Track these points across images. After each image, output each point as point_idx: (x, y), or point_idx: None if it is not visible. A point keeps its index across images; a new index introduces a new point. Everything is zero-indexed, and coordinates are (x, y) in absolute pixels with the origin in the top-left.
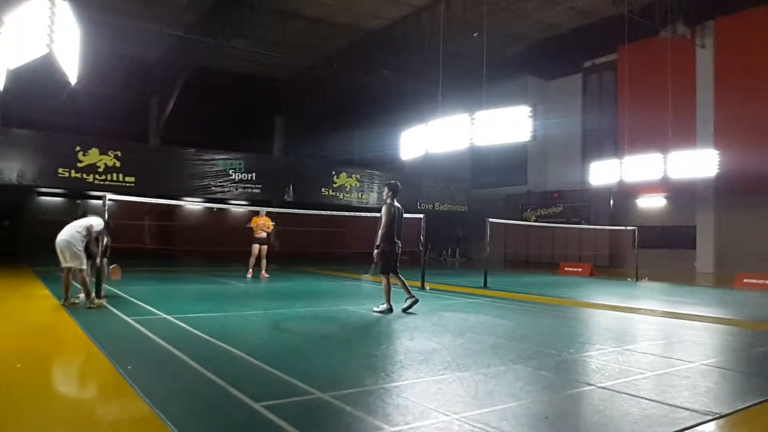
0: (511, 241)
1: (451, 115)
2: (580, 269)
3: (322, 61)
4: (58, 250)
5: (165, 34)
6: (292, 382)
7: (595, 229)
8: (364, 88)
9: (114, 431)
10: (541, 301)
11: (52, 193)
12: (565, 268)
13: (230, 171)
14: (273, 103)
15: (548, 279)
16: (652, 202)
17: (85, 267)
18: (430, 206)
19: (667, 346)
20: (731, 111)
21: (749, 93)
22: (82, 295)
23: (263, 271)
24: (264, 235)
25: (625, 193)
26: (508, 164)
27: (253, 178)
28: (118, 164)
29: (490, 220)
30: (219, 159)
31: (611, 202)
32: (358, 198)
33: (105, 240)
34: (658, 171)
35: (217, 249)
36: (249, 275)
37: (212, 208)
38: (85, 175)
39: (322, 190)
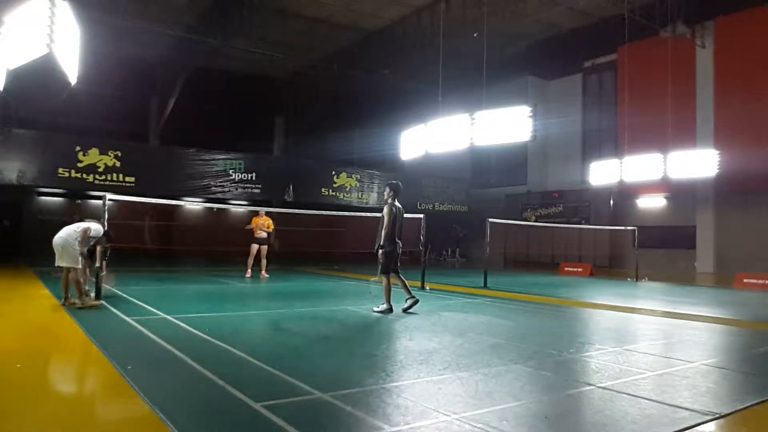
0: (511, 241)
1: (451, 115)
2: (580, 269)
3: (322, 61)
4: (55, 249)
5: (165, 34)
6: (292, 382)
7: (595, 229)
8: (364, 88)
9: (114, 431)
10: (541, 301)
11: (52, 193)
12: (565, 268)
13: (230, 171)
14: (273, 103)
15: (548, 279)
16: (652, 202)
17: (79, 267)
18: (430, 206)
19: (667, 346)
20: (731, 111)
21: (749, 93)
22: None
23: (263, 272)
24: (264, 235)
25: (625, 193)
26: (508, 164)
27: (253, 178)
28: (118, 164)
29: (490, 220)
30: (219, 159)
31: (611, 202)
32: (358, 198)
33: (105, 245)
34: (658, 171)
35: (217, 249)
36: (248, 275)
37: (212, 208)
38: (85, 175)
39: (322, 190)
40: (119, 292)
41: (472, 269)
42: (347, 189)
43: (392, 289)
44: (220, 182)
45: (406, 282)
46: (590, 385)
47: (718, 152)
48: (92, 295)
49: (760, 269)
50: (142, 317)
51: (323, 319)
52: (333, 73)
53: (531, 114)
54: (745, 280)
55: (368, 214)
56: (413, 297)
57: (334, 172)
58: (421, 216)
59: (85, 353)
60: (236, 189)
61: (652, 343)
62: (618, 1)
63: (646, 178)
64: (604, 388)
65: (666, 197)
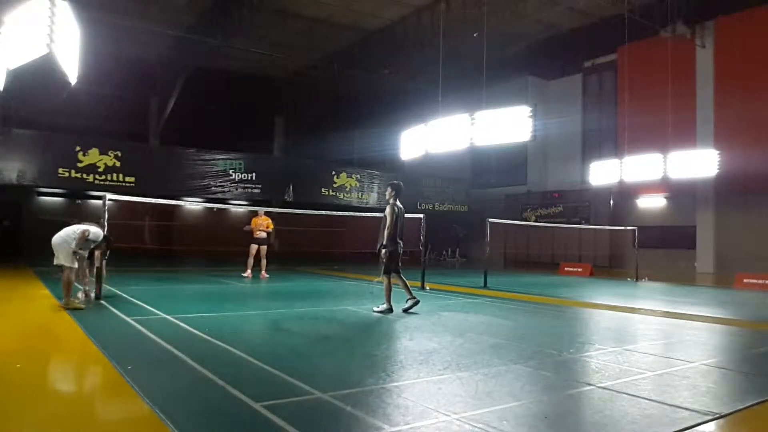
0: (511, 241)
1: (451, 115)
2: (580, 269)
3: (322, 61)
4: (54, 248)
5: (165, 34)
6: (292, 382)
7: (595, 229)
8: (364, 88)
9: (114, 431)
10: (541, 301)
11: (52, 193)
12: (565, 268)
13: (230, 171)
14: (273, 103)
15: (548, 279)
16: (652, 202)
17: (74, 267)
18: (430, 206)
19: (667, 346)
20: (731, 111)
21: (749, 93)
22: (82, 295)
23: (263, 271)
24: (263, 235)
25: (625, 193)
26: (508, 164)
27: (253, 178)
28: (118, 164)
29: (490, 220)
30: (219, 159)
31: (611, 202)
32: (358, 198)
33: (104, 249)
34: (658, 171)
35: (217, 249)
36: (248, 276)
37: (212, 208)
38: (85, 175)
39: (322, 190)
40: (119, 292)
41: (472, 269)
42: (347, 189)
43: (393, 289)
44: (220, 182)
45: (408, 282)
46: (590, 385)
47: (718, 152)
48: (91, 296)
49: (760, 269)
50: (142, 317)
51: (323, 319)
52: (333, 73)
53: (531, 114)
54: (745, 280)
55: (368, 214)
56: (414, 298)
57: (334, 172)
58: (421, 216)
59: (85, 353)
60: (236, 189)
61: (652, 343)
62: (618, 1)
63: (646, 178)
64: (604, 388)
65: (666, 197)
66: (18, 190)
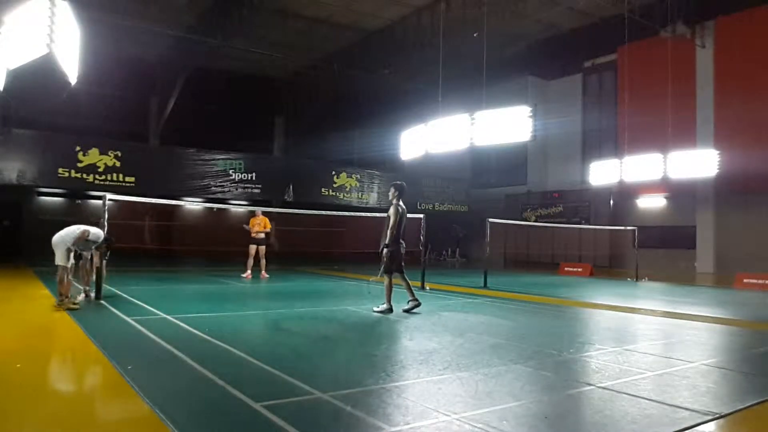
0: (511, 241)
1: (451, 115)
2: (580, 269)
3: (322, 61)
4: (53, 247)
5: (165, 34)
6: (292, 382)
7: (595, 229)
8: (364, 88)
9: (114, 431)
10: (541, 301)
11: (52, 193)
12: (565, 268)
13: (230, 171)
14: (273, 103)
15: (548, 279)
16: (652, 202)
17: (68, 266)
18: (430, 206)
19: (667, 346)
20: (731, 111)
21: (749, 93)
22: (82, 295)
23: (263, 271)
24: (262, 235)
25: (625, 193)
26: (508, 164)
27: (253, 178)
28: (118, 164)
29: (490, 220)
30: (219, 159)
31: (611, 202)
32: (358, 198)
33: (104, 251)
34: (658, 171)
35: (217, 249)
36: (248, 276)
37: (212, 208)
38: (85, 175)
39: (322, 190)
40: (119, 292)
41: (472, 269)
42: (347, 189)
43: (394, 289)
44: (220, 182)
45: (410, 283)
46: (590, 385)
47: (718, 152)
48: (91, 296)
49: (760, 269)
50: (142, 317)
51: (323, 319)
52: (333, 73)
53: (531, 114)
54: (745, 280)
55: (368, 214)
56: (416, 299)
57: (334, 172)
58: (421, 216)
59: (85, 353)
60: (236, 189)
61: (652, 343)
62: (618, 1)
63: (646, 178)
64: (604, 388)
65: (666, 197)
66: (18, 190)
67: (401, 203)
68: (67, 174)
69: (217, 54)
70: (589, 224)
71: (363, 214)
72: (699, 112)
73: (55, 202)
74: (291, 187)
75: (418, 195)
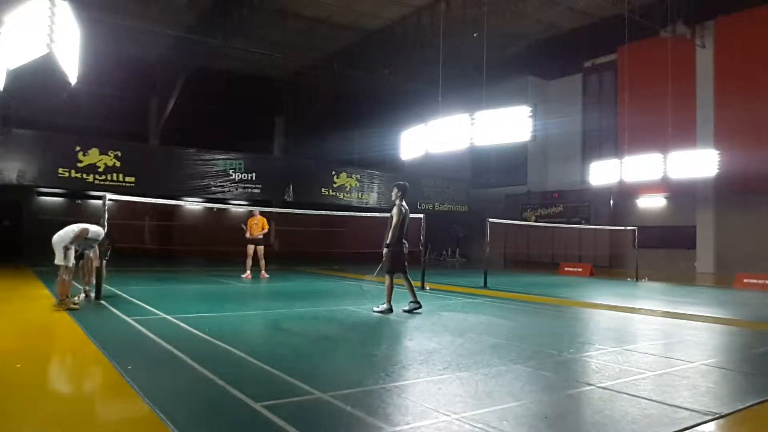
0: (511, 241)
1: (451, 115)
2: (580, 269)
3: (322, 61)
4: (53, 247)
5: (165, 34)
6: (292, 382)
7: (595, 229)
8: (364, 88)
9: (114, 431)
10: (541, 301)
11: (52, 193)
12: (565, 268)
13: (230, 171)
14: (273, 103)
15: (548, 279)
16: (652, 202)
17: (69, 265)
18: (430, 206)
19: (667, 346)
20: (731, 111)
21: (749, 93)
22: (82, 295)
23: (263, 271)
24: (259, 235)
25: (625, 193)
26: (508, 164)
27: (253, 178)
28: (118, 164)
29: (490, 220)
30: (219, 159)
31: (611, 202)
32: (358, 198)
33: (107, 246)
34: (658, 171)
35: (217, 249)
36: (248, 277)
37: (212, 208)
38: (85, 175)
39: (322, 190)
40: (119, 292)
41: (472, 269)
42: (347, 189)
43: (396, 289)
44: (220, 182)
45: (413, 284)
46: (590, 385)
47: (718, 152)
48: (91, 296)
49: (760, 269)
50: (142, 317)
51: (323, 319)
52: (333, 73)
53: (531, 114)
54: (745, 280)
55: (368, 214)
56: (417, 302)
57: (334, 172)
58: (421, 216)
59: (85, 353)
60: (236, 189)
61: (652, 343)
62: (618, 1)
63: (646, 178)
64: (604, 388)
65: (666, 197)
66: (18, 190)
67: (404, 203)
68: (67, 174)
69: (217, 54)
70: (589, 224)
71: (363, 214)
72: (699, 112)
73: (55, 202)
74: (291, 187)
75: (418, 195)
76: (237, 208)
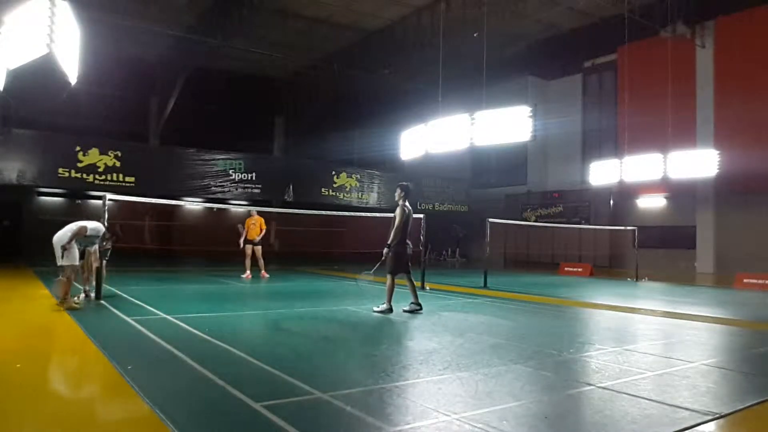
0: (511, 241)
1: (451, 115)
2: (580, 269)
3: (322, 61)
4: (54, 247)
5: (165, 34)
6: (292, 382)
7: (595, 229)
8: (364, 88)
9: (114, 431)
10: (541, 301)
11: (52, 193)
12: (565, 268)
13: (230, 171)
14: (273, 103)
15: (548, 279)
16: (652, 202)
17: (73, 264)
18: (430, 206)
19: (667, 346)
20: (731, 111)
21: (749, 93)
22: (82, 295)
23: (262, 271)
24: (257, 239)
25: (625, 193)
26: (508, 164)
27: (253, 178)
28: (118, 164)
29: (490, 220)
30: (219, 159)
31: (611, 202)
32: (358, 198)
33: (112, 241)
34: (658, 171)
35: (217, 249)
36: (248, 277)
37: (212, 208)
38: (85, 175)
39: (322, 190)
40: (119, 292)
41: (472, 269)
42: (347, 189)
43: (397, 289)
44: (220, 182)
45: (415, 285)
46: (590, 385)
47: (718, 152)
48: (91, 296)
49: (760, 269)
50: (142, 317)
51: (323, 319)
52: (333, 73)
53: (531, 114)
54: (745, 280)
55: (368, 214)
56: (418, 303)
57: (334, 172)
58: (421, 216)
59: (85, 353)
60: (236, 189)
61: (652, 343)
62: (618, 1)
63: (646, 178)
64: (604, 388)
65: (666, 197)
66: (18, 190)
67: (407, 204)
68: (67, 174)
69: (217, 54)
70: (589, 224)
71: (363, 214)
72: (699, 112)
73: (55, 202)
74: (291, 187)
75: (418, 195)
76: (237, 208)
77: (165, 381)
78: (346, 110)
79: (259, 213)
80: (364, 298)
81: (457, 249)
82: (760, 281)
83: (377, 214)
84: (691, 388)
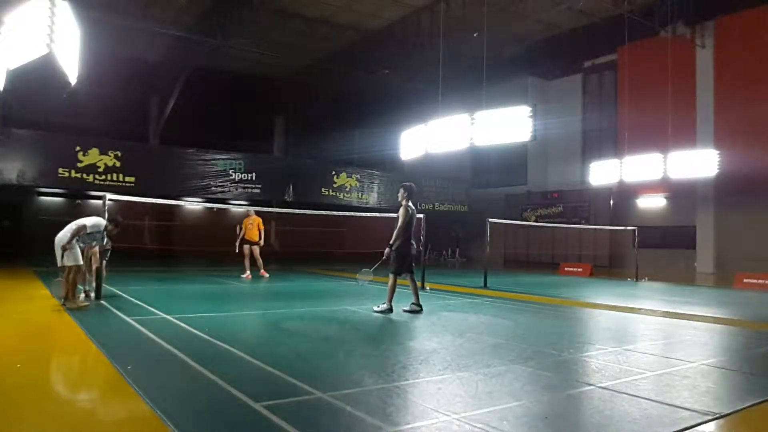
0: (511, 241)
1: (451, 115)
2: (580, 269)
3: (322, 61)
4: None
5: (165, 34)
6: (292, 382)
7: (595, 229)
8: (364, 88)
9: (114, 431)
10: (541, 301)
11: (52, 193)
12: (565, 268)
13: (230, 171)
14: (273, 103)
15: (548, 279)
16: (652, 202)
17: (74, 264)
18: (430, 206)
19: (667, 346)
20: (731, 111)
21: (749, 93)
22: (82, 295)
23: (262, 270)
24: (257, 242)
25: (625, 193)
26: (508, 164)
27: (253, 178)
28: (118, 164)
29: (490, 220)
30: (219, 159)
31: (611, 202)
32: (358, 198)
33: (105, 241)
34: (658, 171)
35: (217, 249)
36: (248, 277)
37: (212, 208)
38: (85, 175)
39: (322, 190)
40: (119, 292)
41: (472, 269)
42: (347, 189)
43: (398, 290)
44: (220, 182)
45: (417, 286)
46: (590, 385)
47: (718, 152)
48: (92, 296)
49: (760, 269)
50: (142, 317)
51: (323, 319)
52: (333, 73)
53: (531, 114)
54: (745, 280)
55: (368, 214)
56: (419, 304)
57: (334, 172)
58: (421, 216)
59: (85, 353)
60: (236, 189)
61: (652, 343)
62: (618, 1)
63: (646, 178)
64: (604, 388)
65: (666, 197)
66: (18, 190)
67: (410, 204)
68: (67, 174)
69: (217, 54)
70: (589, 224)
71: (363, 214)
72: (699, 112)
73: (55, 202)
74: (291, 187)
75: (418, 195)
76: (237, 208)
77: (165, 381)
78: (346, 110)
79: (259, 213)
80: (364, 297)
81: (457, 249)
82: (760, 281)
83: (377, 214)
84: (691, 388)
